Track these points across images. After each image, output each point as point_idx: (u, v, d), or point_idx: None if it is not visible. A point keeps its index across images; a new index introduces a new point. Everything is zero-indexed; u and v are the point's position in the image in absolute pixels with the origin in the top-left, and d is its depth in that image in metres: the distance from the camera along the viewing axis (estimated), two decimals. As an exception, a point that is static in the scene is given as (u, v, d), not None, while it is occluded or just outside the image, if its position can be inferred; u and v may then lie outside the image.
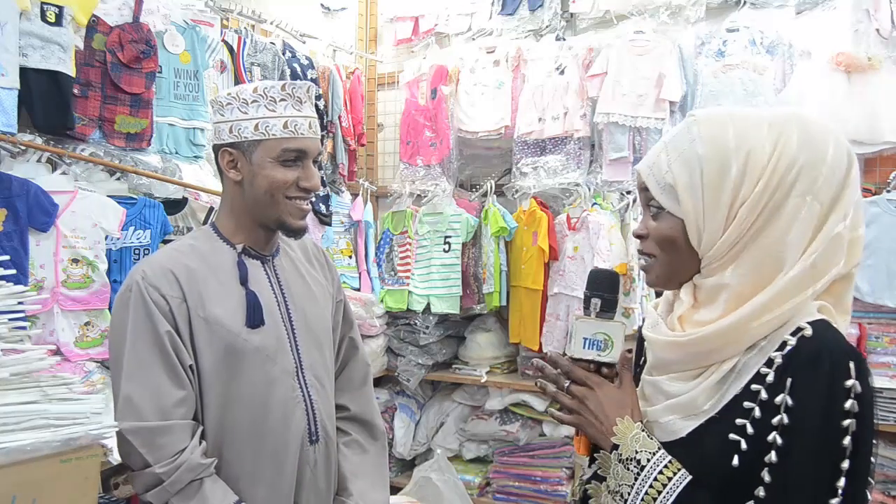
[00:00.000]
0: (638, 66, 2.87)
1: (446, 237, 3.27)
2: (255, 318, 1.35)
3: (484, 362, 3.30)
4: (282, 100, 1.34)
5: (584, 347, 0.99)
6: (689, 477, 0.88)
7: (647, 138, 2.86)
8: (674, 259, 0.97)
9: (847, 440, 0.81)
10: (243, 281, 1.37)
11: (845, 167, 0.89)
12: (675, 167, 0.93)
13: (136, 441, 1.23)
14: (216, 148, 1.38)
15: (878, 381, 2.46)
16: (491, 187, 3.28)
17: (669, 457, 0.90)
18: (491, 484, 3.23)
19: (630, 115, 2.86)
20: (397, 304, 3.35)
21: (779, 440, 0.83)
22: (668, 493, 0.88)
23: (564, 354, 1.01)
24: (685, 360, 0.94)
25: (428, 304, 3.29)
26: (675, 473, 0.89)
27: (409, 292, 3.34)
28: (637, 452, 0.91)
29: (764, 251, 0.89)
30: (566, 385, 0.99)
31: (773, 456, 0.83)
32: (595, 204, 2.99)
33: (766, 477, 0.84)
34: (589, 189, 3.01)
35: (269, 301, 1.39)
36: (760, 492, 0.84)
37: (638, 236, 1.01)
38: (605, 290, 1.01)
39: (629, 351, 1.01)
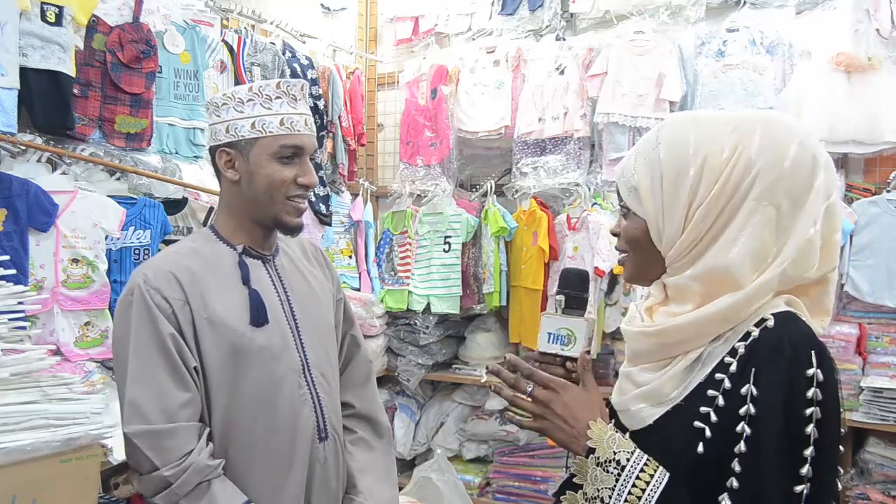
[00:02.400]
0: (638, 66, 2.87)
1: (446, 237, 3.27)
2: (258, 316, 1.35)
3: (484, 362, 3.30)
4: (277, 97, 1.35)
5: (548, 342, 1.03)
6: (668, 474, 0.88)
7: (647, 138, 2.86)
8: (641, 257, 1.00)
9: (810, 428, 0.82)
10: (245, 280, 1.37)
11: (808, 170, 0.89)
12: (640, 170, 0.96)
13: (143, 444, 1.23)
14: (213, 149, 1.39)
15: (877, 382, 2.46)
16: (491, 187, 3.28)
17: (646, 455, 0.89)
18: (491, 484, 3.23)
19: (630, 115, 2.86)
20: (397, 304, 3.35)
21: (747, 430, 0.84)
22: (651, 490, 0.87)
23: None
24: (653, 350, 0.96)
25: (428, 304, 3.29)
26: (655, 471, 0.88)
27: (409, 292, 3.34)
28: (616, 453, 0.89)
29: (719, 254, 0.90)
30: (528, 389, 0.97)
31: (741, 446, 0.84)
32: (595, 204, 3.00)
33: (737, 467, 0.84)
34: (589, 189, 3.01)
35: (272, 300, 1.39)
36: (733, 482, 0.84)
37: (613, 234, 1.05)
38: (571, 287, 1.04)
39: (588, 352, 1.02)
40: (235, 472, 1.32)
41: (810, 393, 0.83)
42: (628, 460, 0.89)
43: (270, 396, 1.35)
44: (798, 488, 0.82)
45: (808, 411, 0.82)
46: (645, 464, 0.89)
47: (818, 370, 0.83)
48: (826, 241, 0.91)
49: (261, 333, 1.35)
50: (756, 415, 0.84)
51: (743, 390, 0.85)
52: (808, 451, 0.82)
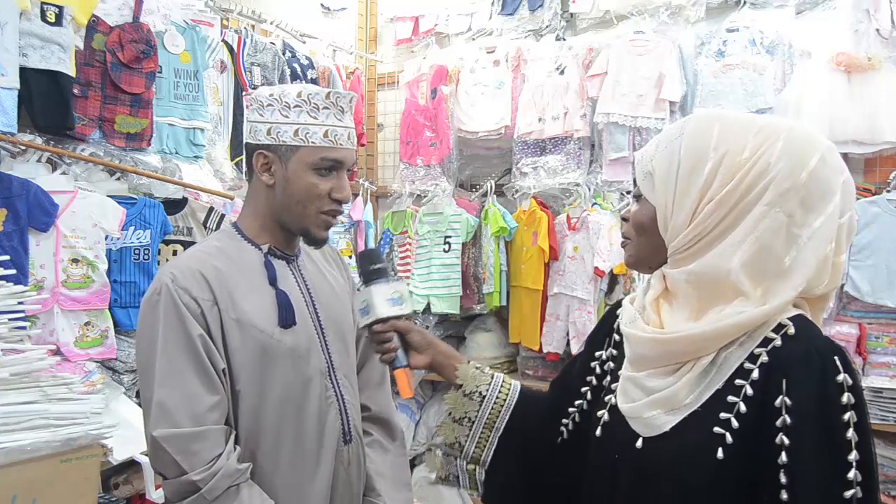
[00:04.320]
0: (638, 66, 2.87)
1: (446, 237, 3.27)
2: (287, 317, 1.33)
3: (484, 362, 3.25)
4: (324, 108, 1.32)
5: (390, 306, 1.20)
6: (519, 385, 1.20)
7: (647, 138, 2.86)
8: (645, 243, 1.00)
9: (850, 432, 0.83)
10: (272, 281, 1.35)
11: (825, 185, 0.88)
12: (658, 156, 0.97)
13: (171, 448, 1.20)
14: (251, 148, 1.36)
15: (877, 382, 2.46)
16: (491, 187, 3.28)
17: (503, 377, 1.21)
18: (491, 484, 3.22)
19: (630, 115, 2.86)
20: (397, 304, 3.35)
21: (786, 441, 0.84)
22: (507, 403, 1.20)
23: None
24: (662, 356, 0.96)
25: (428, 304, 3.29)
26: (509, 389, 1.23)
27: (409, 292, 3.34)
28: (478, 386, 1.22)
29: (722, 256, 0.90)
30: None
31: (783, 457, 0.84)
32: (595, 204, 3.00)
33: (783, 478, 0.84)
34: (589, 189, 3.01)
35: (298, 301, 1.37)
36: (783, 494, 0.84)
37: (623, 219, 1.06)
38: (371, 263, 1.24)
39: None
40: (262, 475, 1.30)
41: (844, 398, 0.83)
42: (488, 390, 1.21)
43: (298, 399, 1.33)
44: (848, 493, 0.82)
45: (846, 416, 0.83)
46: (501, 385, 1.22)
47: (846, 375, 0.84)
48: (834, 261, 0.91)
49: (288, 335, 1.33)
50: (793, 425, 0.84)
51: (777, 402, 0.85)
52: (852, 456, 0.82)
